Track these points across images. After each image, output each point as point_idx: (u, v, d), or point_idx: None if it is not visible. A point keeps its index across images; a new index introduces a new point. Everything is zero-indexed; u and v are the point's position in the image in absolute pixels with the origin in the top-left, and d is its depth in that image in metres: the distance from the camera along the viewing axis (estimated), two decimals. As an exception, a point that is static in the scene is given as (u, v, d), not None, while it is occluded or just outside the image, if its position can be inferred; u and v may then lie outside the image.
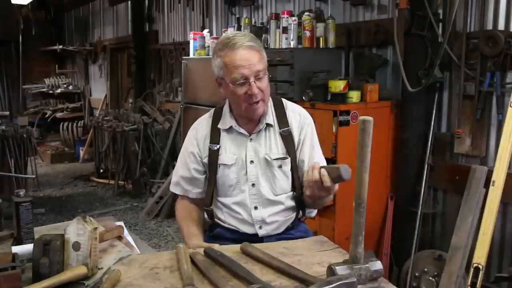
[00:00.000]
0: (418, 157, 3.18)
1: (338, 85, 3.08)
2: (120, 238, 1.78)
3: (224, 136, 1.90)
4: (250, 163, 1.87)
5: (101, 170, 6.66)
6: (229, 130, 1.90)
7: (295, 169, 1.89)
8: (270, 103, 1.93)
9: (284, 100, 1.98)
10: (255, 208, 1.87)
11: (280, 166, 1.87)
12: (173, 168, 5.73)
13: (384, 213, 3.34)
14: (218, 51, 1.79)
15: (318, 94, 3.19)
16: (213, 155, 1.88)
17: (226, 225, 1.91)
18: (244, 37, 1.78)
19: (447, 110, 3.16)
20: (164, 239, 4.49)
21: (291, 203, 1.91)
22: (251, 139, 1.89)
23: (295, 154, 1.89)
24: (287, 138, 1.89)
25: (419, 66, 3.09)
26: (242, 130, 1.89)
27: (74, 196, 5.94)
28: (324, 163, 1.94)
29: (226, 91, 1.82)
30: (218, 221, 1.93)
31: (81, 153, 7.91)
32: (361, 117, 1.21)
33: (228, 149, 1.89)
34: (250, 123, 1.89)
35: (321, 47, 3.51)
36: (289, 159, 1.88)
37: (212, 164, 1.89)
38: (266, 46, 3.77)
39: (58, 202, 5.69)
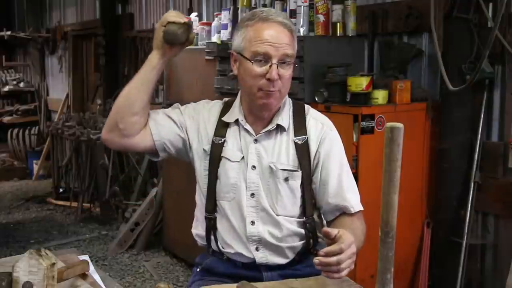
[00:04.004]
0: (462, 174, 3.18)
1: (359, 83, 3.09)
2: (84, 276, 1.78)
3: (229, 132, 1.96)
4: (252, 168, 1.91)
5: (61, 190, 6.65)
6: (234, 124, 1.96)
7: (307, 187, 1.91)
8: (289, 105, 1.99)
9: (307, 106, 2.04)
10: (252, 223, 1.91)
11: (286, 179, 1.90)
12: (152, 187, 5.66)
13: (419, 245, 3.33)
14: (246, 20, 1.89)
15: (334, 94, 3.19)
16: (216, 148, 1.94)
17: (220, 245, 1.93)
18: (279, 14, 1.92)
19: (498, 113, 3.17)
20: (141, 277, 4.48)
21: (298, 229, 1.93)
22: (256, 140, 1.93)
23: (309, 169, 1.92)
24: (302, 148, 1.92)
25: (462, 59, 3.10)
26: (248, 127, 1.94)
27: (26, 223, 5.93)
28: (355, 189, 1.97)
29: (240, 70, 1.90)
30: (213, 237, 1.95)
31: (35, 168, 7.92)
32: (389, 124, 1.21)
33: (235, 146, 1.94)
34: (258, 121, 1.94)
35: (338, 35, 3.52)
36: (299, 173, 1.90)
37: (214, 157, 1.94)
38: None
39: (4, 230, 5.67)
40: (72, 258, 1.93)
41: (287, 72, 1.85)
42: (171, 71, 4.69)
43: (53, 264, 1.42)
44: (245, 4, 4.13)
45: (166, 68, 4.72)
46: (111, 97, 6.82)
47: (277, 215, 1.91)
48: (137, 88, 1.90)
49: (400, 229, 1.26)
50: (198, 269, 2.03)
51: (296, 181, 1.90)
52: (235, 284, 1.60)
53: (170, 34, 1.86)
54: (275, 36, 1.82)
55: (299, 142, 1.92)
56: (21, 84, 9.31)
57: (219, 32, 4.11)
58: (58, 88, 8.96)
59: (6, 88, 9.13)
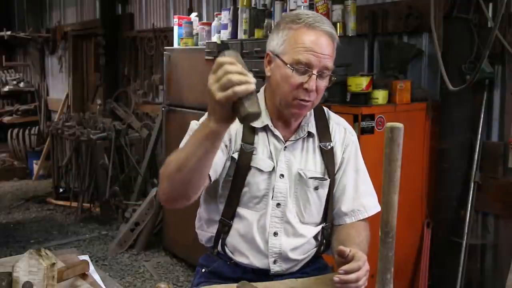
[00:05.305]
0: (462, 173, 3.19)
1: (359, 83, 3.09)
2: (84, 276, 1.78)
3: (258, 138, 1.87)
4: (280, 177, 1.86)
5: (61, 190, 6.65)
6: (261, 130, 1.88)
7: (331, 193, 1.91)
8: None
9: (325, 108, 2.00)
10: (275, 234, 1.86)
11: (316, 188, 1.87)
12: (152, 187, 5.61)
13: (419, 245, 3.34)
14: (290, 22, 1.79)
15: (334, 94, 3.19)
16: (246, 156, 1.84)
17: (228, 251, 1.89)
18: (326, 22, 1.82)
19: (498, 113, 3.17)
20: (141, 277, 4.48)
21: (316, 236, 1.92)
22: (285, 147, 1.88)
23: (333, 176, 1.90)
24: (328, 155, 1.90)
25: (462, 59, 3.11)
26: (277, 133, 1.87)
27: (26, 223, 5.92)
28: (373, 193, 1.95)
29: (275, 74, 1.80)
30: (221, 241, 1.90)
31: (35, 168, 7.92)
32: (389, 124, 1.21)
33: (265, 153, 1.86)
34: (287, 127, 1.89)
35: (338, 35, 3.51)
36: (328, 182, 1.88)
37: (242, 165, 1.83)
38: (269, 33, 3.78)
39: (4, 230, 5.67)
40: (72, 258, 1.93)
41: (323, 83, 1.78)
42: (171, 71, 4.68)
43: (53, 264, 1.42)
44: (245, 4, 4.13)
45: (166, 67, 4.73)
46: (111, 97, 6.84)
47: (302, 223, 1.88)
48: (205, 159, 1.55)
49: (400, 229, 1.26)
50: (203, 270, 1.98)
51: (325, 190, 1.89)
52: (235, 284, 1.60)
53: (252, 117, 1.37)
54: (319, 46, 1.74)
55: (325, 149, 1.90)
56: (21, 84, 9.30)
57: (219, 32, 4.11)
58: (58, 88, 8.95)
59: (6, 88, 9.12)
